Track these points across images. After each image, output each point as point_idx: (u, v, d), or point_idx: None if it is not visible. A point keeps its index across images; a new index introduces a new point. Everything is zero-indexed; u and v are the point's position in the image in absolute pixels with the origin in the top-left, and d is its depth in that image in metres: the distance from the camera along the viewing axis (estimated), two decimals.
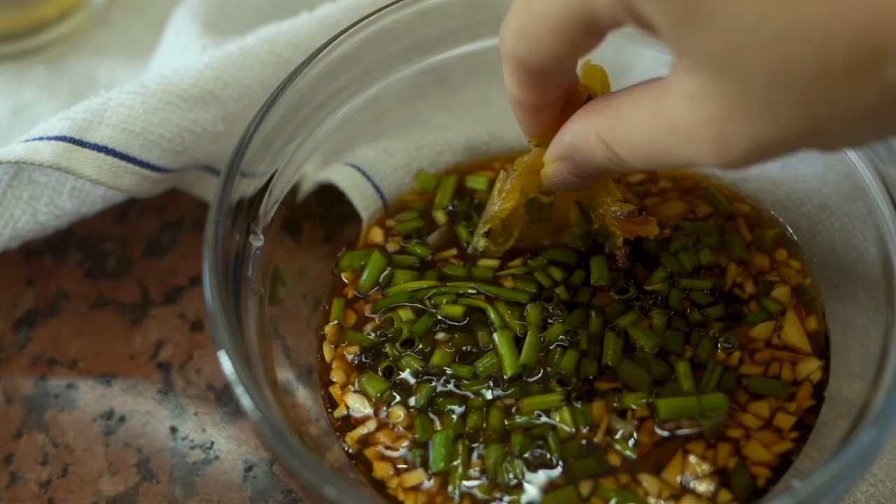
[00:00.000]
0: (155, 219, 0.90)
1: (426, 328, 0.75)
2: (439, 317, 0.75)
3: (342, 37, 0.77)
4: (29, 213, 0.83)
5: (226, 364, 0.64)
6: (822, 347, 0.74)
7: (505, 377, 0.72)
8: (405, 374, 0.73)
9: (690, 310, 0.75)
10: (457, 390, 0.72)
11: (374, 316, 0.77)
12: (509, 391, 0.72)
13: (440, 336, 0.75)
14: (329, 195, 0.82)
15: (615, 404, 0.70)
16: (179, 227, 0.90)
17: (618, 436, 0.70)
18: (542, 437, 0.70)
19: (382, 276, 0.78)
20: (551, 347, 0.73)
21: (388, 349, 0.75)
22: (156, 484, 0.78)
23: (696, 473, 0.69)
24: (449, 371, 0.73)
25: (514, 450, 0.69)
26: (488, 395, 0.72)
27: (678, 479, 0.69)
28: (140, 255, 0.89)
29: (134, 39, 0.99)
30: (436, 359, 0.73)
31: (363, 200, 0.82)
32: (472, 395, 0.72)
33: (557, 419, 0.70)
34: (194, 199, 0.90)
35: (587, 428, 0.70)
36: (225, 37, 0.89)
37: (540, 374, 0.72)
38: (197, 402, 0.82)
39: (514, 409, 0.71)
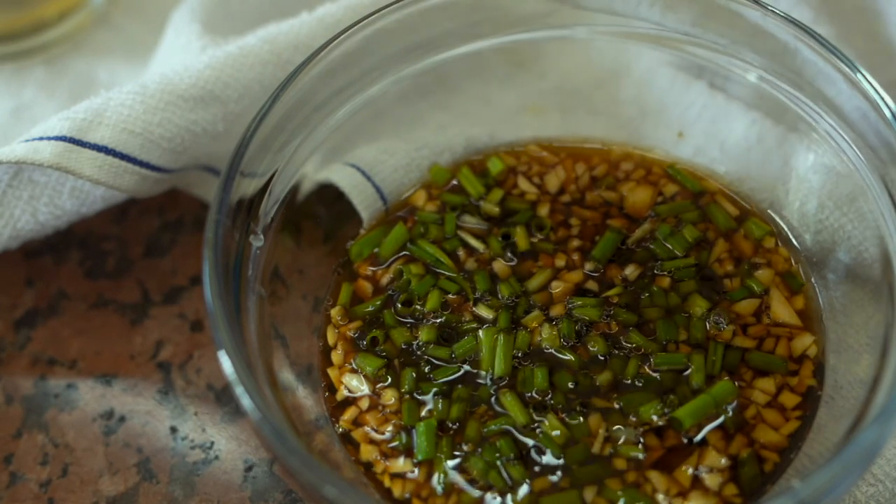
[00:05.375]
0: (155, 219, 0.90)
1: (427, 288, 0.77)
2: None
3: (342, 37, 0.77)
4: (29, 213, 0.83)
5: (226, 364, 0.64)
6: (814, 323, 0.75)
7: (493, 376, 0.73)
8: (393, 347, 0.75)
9: (670, 290, 0.76)
10: (435, 378, 0.74)
11: (385, 281, 0.78)
12: (493, 390, 0.73)
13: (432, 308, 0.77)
14: (329, 195, 0.82)
15: (631, 417, 0.71)
16: (179, 227, 0.90)
17: (620, 441, 0.70)
18: (538, 445, 0.71)
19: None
20: (531, 366, 0.73)
21: (385, 317, 0.76)
22: (156, 484, 0.78)
23: (710, 467, 0.69)
24: (430, 351, 0.74)
25: (505, 454, 0.70)
26: (479, 382, 0.73)
27: (689, 472, 0.69)
28: (140, 255, 0.89)
29: (134, 39, 0.99)
30: (423, 335, 0.75)
31: (363, 200, 0.82)
32: (458, 385, 0.73)
33: (546, 426, 0.71)
34: (194, 199, 0.90)
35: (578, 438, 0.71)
36: (225, 37, 0.88)
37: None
38: (197, 402, 0.82)
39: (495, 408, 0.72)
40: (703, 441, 0.70)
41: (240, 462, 0.79)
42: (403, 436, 0.72)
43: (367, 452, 0.72)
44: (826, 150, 0.77)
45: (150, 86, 0.82)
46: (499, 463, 0.70)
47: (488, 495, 0.69)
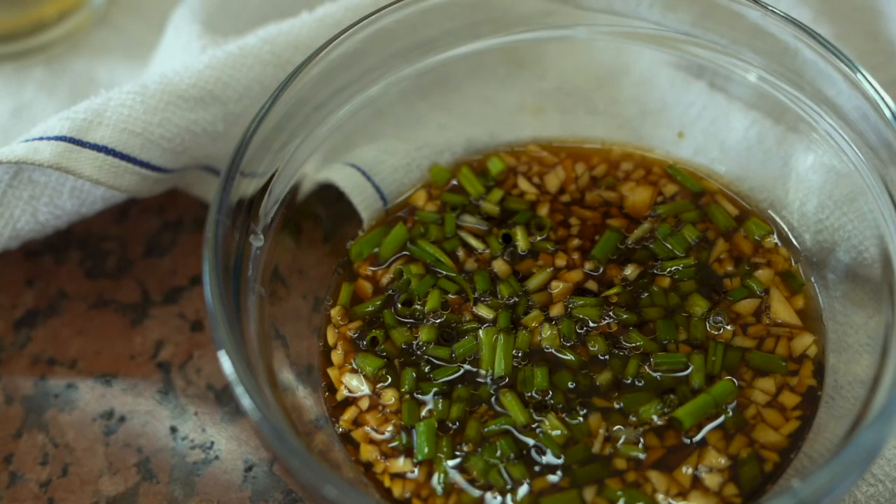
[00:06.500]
0: (155, 219, 0.90)
1: (427, 288, 0.77)
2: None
3: (342, 37, 0.77)
4: (29, 213, 0.83)
5: (226, 364, 0.64)
6: (814, 323, 0.75)
7: (493, 376, 0.73)
8: (393, 347, 0.75)
9: (670, 290, 0.76)
10: (435, 378, 0.74)
11: (385, 281, 0.78)
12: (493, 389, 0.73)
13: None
14: (329, 195, 0.82)
15: (631, 417, 0.71)
16: (179, 227, 0.90)
17: (621, 442, 0.70)
18: (538, 444, 0.71)
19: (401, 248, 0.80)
20: (531, 365, 0.74)
21: (385, 317, 0.76)
22: (156, 484, 0.78)
23: (710, 467, 0.69)
24: (430, 351, 0.75)
25: (505, 454, 0.70)
26: (480, 381, 0.73)
27: (689, 472, 0.69)
28: (140, 255, 0.89)
29: (134, 39, 0.99)
30: (423, 335, 0.75)
31: (363, 200, 0.82)
32: (458, 385, 0.73)
33: (546, 426, 0.71)
34: (194, 199, 0.90)
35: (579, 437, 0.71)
36: (225, 37, 0.88)
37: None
38: (197, 402, 0.82)
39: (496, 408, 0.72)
40: (703, 441, 0.70)
41: (240, 462, 0.79)
42: (403, 436, 0.72)
43: (367, 452, 0.72)
44: (826, 150, 0.77)
45: (150, 86, 0.82)
46: (499, 463, 0.70)
47: (488, 495, 0.69)
